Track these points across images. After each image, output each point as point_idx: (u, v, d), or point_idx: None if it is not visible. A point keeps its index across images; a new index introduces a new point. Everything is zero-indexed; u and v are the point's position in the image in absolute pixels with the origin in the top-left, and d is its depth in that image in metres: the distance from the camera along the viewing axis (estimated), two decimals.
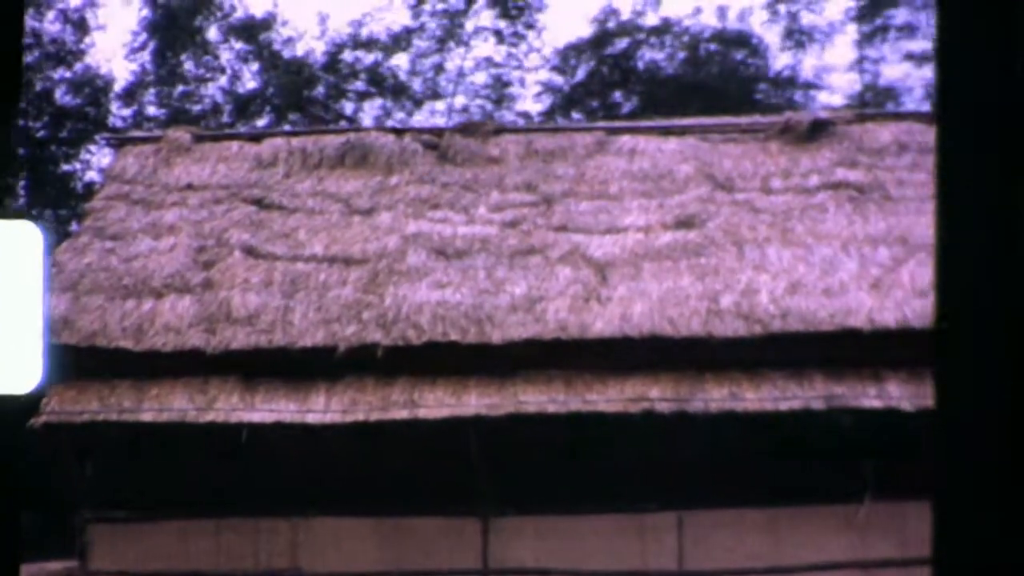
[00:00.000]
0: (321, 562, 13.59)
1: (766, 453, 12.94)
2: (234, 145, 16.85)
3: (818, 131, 16.46)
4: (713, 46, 31.47)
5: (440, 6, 30.59)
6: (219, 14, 29.98)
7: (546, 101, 31.19)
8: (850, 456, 12.98)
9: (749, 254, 14.36)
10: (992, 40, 3.82)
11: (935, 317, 4.14)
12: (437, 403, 13.20)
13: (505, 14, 30.71)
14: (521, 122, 27.75)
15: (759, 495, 13.20)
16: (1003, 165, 3.82)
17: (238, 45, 30.14)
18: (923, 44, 34.51)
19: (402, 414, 13.13)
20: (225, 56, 30.17)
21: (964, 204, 3.94)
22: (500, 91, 31.22)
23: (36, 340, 4.29)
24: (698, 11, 31.53)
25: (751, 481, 13.14)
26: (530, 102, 31.17)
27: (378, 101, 30.73)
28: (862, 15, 33.69)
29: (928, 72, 34.47)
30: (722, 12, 31.63)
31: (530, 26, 30.84)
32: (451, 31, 30.75)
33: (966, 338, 3.92)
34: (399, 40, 30.54)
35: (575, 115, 30.20)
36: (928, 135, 16.10)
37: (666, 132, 16.86)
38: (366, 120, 28.96)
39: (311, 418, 13.17)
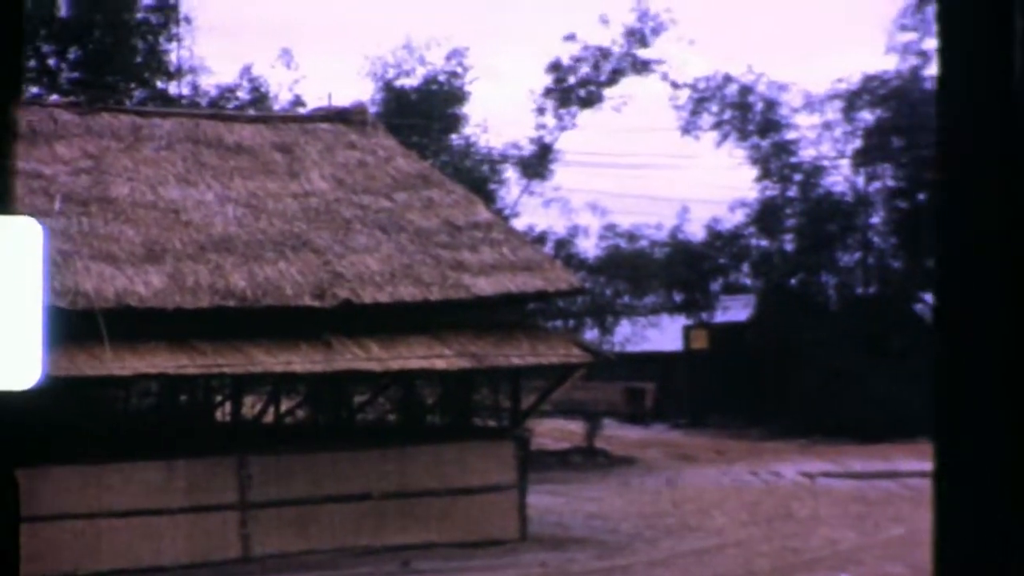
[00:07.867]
0: None
1: None
2: None
3: None
4: None
5: None
6: None
7: None
8: None
9: None
10: (992, 34, 3.90)
11: (935, 297, 4.17)
12: None
13: None
14: None
15: None
16: (1003, 157, 3.91)
17: None
18: None
19: None
20: None
21: (963, 191, 4.03)
22: None
23: (36, 336, 4.20)
24: None
25: None
26: None
27: None
28: None
29: None
30: None
31: None
32: None
33: (966, 318, 4.00)
34: None
35: None
36: None
37: None
38: None
39: None
